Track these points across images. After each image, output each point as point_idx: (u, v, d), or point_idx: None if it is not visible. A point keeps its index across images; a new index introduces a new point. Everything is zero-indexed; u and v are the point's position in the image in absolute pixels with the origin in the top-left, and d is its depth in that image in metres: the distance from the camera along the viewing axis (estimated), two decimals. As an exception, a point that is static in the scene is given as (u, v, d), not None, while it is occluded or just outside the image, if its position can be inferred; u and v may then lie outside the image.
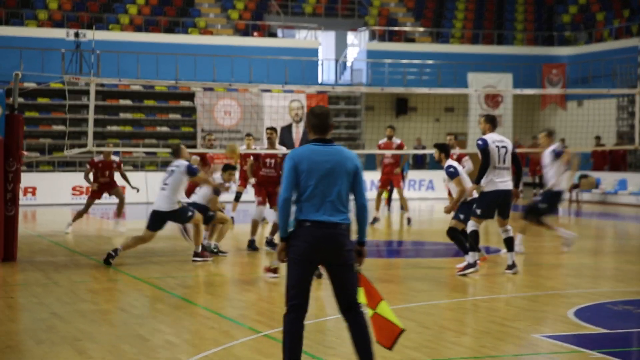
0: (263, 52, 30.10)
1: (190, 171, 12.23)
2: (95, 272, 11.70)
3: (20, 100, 21.48)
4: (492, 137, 11.32)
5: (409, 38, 34.23)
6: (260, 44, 30.97)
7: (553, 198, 13.06)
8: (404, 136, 24.10)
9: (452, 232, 11.72)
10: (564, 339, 7.67)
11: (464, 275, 11.13)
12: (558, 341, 7.56)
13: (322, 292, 10.27)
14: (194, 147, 26.09)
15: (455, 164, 11.82)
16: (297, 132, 29.17)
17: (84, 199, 24.13)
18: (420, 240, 16.22)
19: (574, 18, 35.97)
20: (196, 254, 12.57)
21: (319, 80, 31.30)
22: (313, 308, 9.31)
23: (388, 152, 17.89)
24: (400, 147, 18.08)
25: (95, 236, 16.61)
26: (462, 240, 11.52)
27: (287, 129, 28.92)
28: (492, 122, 11.49)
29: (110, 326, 8.31)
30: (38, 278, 11.12)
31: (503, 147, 11.26)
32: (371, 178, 26.79)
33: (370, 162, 29.48)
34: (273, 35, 32.59)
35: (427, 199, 26.22)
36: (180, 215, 12.26)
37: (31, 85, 24.69)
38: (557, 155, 13.04)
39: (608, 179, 24.73)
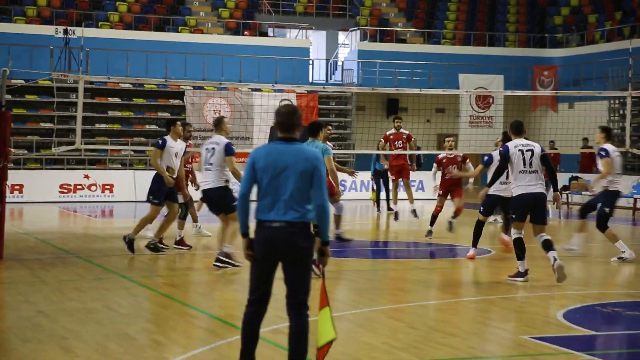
0: (254, 51, 30.03)
1: (229, 150, 11.57)
2: (82, 271, 11.62)
3: (8, 97, 21.37)
4: (515, 142, 11.19)
5: (400, 38, 34.21)
6: (251, 42, 30.90)
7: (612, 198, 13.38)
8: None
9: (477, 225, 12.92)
10: (552, 340, 7.64)
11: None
12: (547, 343, 7.53)
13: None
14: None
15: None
16: (288, 131, 29.10)
17: (71, 197, 24.14)
18: (409, 240, 16.18)
19: (566, 20, 36.03)
20: (221, 257, 11.63)
21: (310, 80, 31.24)
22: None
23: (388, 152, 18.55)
24: (409, 138, 18.60)
25: (82, 234, 16.51)
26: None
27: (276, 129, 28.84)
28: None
29: (97, 325, 8.24)
30: (24, 276, 11.04)
31: (529, 150, 11.12)
32: (361, 178, 26.76)
33: (361, 163, 29.46)
34: (264, 34, 32.52)
35: (417, 199, 26.15)
36: (227, 198, 11.57)
37: (19, 81, 24.56)
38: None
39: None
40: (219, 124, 11.94)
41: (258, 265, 6.03)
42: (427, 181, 26.98)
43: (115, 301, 9.53)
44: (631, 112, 19.48)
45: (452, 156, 15.64)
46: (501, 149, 11.43)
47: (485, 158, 13.35)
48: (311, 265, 6.06)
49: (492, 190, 12.42)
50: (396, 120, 18.80)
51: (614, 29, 33.21)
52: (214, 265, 11.61)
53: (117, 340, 7.54)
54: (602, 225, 13.23)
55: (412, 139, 18.81)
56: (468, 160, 15.97)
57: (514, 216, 11.21)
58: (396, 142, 18.57)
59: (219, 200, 11.62)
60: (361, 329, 8.19)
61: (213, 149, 11.68)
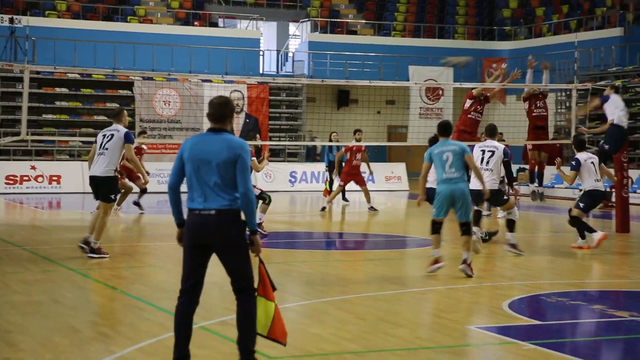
0: (204, 41, 29.86)
1: (128, 138, 11.64)
2: (28, 263, 11.46)
3: (-47, 86, 20.99)
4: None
5: (351, 30, 34.27)
6: (201, 33, 30.72)
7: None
8: (344, 128, 24.11)
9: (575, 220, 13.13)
10: (497, 330, 7.74)
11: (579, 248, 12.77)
12: (492, 332, 7.63)
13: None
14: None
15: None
16: (238, 122, 29.00)
17: (17, 188, 23.78)
18: (359, 232, 16.24)
19: (514, 13, 36.42)
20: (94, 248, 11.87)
21: (261, 71, 31.17)
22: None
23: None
24: (365, 149, 19.72)
25: (29, 226, 16.29)
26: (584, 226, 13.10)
27: (227, 120, 28.75)
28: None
29: (43, 318, 8.14)
30: (-32, 269, 10.85)
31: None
32: (311, 169, 26.80)
33: (311, 154, 29.49)
34: (214, 24, 32.34)
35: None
36: (112, 188, 11.70)
37: (-36, 71, 24.11)
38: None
39: (545, 173, 24.99)
40: (119, 115, 12.00)
41: (188, 252, 6.09)
42: (377, 173, 27.06)
43: (61, 294, 9.42)
44: (577, 104, 19.75)
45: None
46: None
47: (574, 163, 13.54)
48: (245, 250, 6.08)
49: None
50: (357, 133, 19.44)
51: (560, 22, 33.66)
52: (88, 256, 11.61)
53: (63, 333, 7.46)
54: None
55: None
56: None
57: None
58: (357, 154, 19.24)
59: (103, 188, 11.63)
60: (310, 320, 8.21)
61: (112, 135, 11.69)
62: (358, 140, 19.23)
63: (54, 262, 11.52)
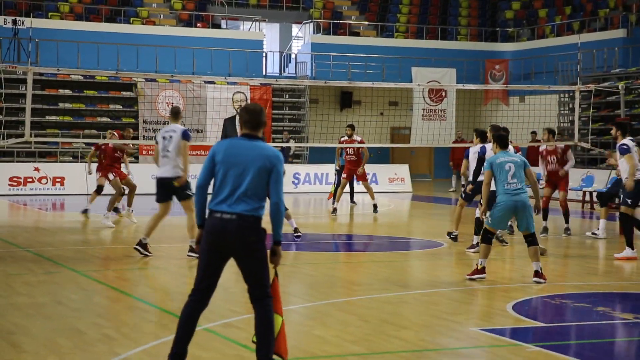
0: (206, 43, 29.87)
1: (185, 135, 11.69)
2: (31, 265, 11.46)
3: (-44, 88, 21.02)
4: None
5: (353, 32, 34.27)
6: (203, 34, 30.72)
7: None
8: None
9: (624, 218, 12.56)
10: (502, 332, 7.73)
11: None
12: (496, 334, 7.62)
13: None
14: (136, 138, 25.80)
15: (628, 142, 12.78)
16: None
17: (21, 189, 23.78)
18: (363, 234, 16.23)
19: (517, 14, 36.40)
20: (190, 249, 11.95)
21: (263, 73, 31.18)
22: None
23: (349, 147, 18.79)
24: (361, 143, 18.99)
25: (33, 228, 16.29)
26: (631, 229, 12.43)
27: (230, 121, 28.76)
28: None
29: (46, 320, 8.14)
30: (-28, 270, 10.86)
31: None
32: (314, 171, 26.80)
33: (314, 156, 29.49)
34: (217, 26, 32.35)
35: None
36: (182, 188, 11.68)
37: (-33, 73, 24.13)
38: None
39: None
40: (177, 114, 12.05)
41: (205, 255, 6.07)
42: (380, 175, 27.10)
43: (65, 295, 9.43)
44: (580, 105, 19.75)
45: (552, 148, 15.98)
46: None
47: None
48: (264, 258, 6.06)
49: None
50: (347, 129, 19.15)
51: (563, 24, 33.64)
52: (188, 255, 11.84)
53: (66, 334, 7.46)
54: (605, 201, 14.65)
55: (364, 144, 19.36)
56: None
57: None
58: (349, 150, 18.98)
59: (177, 188, 11.67)
60: (313, 322, 8.20)
61: (170, 136, 11.72)
62: (349, 136, 18.98)
63: (57, 263, 11.52)
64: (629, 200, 12.44)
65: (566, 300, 9.28)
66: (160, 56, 28.74)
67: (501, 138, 10.65)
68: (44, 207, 21.31)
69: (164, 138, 11.80)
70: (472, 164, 13.17)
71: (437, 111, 32.02)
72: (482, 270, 10.37)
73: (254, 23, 32.62)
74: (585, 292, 9.96)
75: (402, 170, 28.03)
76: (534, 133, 26.71)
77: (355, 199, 21.04)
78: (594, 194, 22.12)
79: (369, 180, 20.36)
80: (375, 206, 19.11)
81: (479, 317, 8.41)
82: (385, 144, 30.33)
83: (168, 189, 11.73)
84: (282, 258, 6.19)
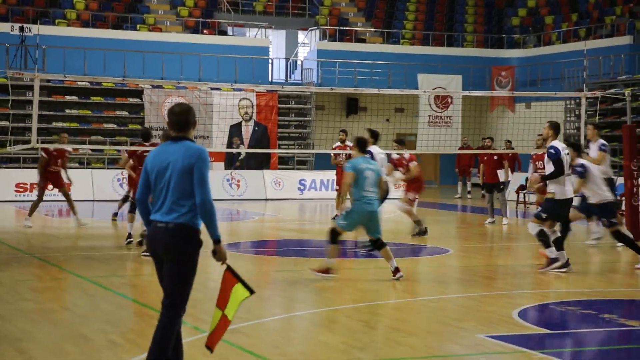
0: (213, 49, 29.92)
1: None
2: (38, 271, 11.49)
3: (-36, 94, 21.06)
4: (560, 145, 11.54)
5: (359, 38, 34.30)
6: (210, 41, 30.78)
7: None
8: (353, 136, 24.11)
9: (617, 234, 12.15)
10: (508, 339, 7.72)
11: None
12: (502, 341, 7.61)
13: (268, 291, 10.23)
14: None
15: (584, 162, 12.26)
16: (247, 130, 29.06)
17: (27, 196, 23.81)
18: (368, 239, 16.20)
19: (523, 21, 36.40)
20: None
21: (270, 79, 31.21)
22: (259, 308, 9.27)
23: (341, 152, 18.19)
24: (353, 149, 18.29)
25: (39, 234, 16.32)
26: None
27: (236, 128, 28.80)
28: (556, 129, 11.68)
29: (53, 326, 8.16)
30: (-21, 276, 10.88)
31: (567, 154, 11.59)
32: (320, 177, 26.80)
33: (320, 162, 29.49)
34: (223, 33, 32.41)
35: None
36: None
37: (-26, 79, 24.21)
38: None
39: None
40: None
41: (154, 264, 6.07)
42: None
43: (71, 301, 9.45)
44: (586, 112, 19.73)
45: (541, 153, 15.87)
46: (551, 151, 11.47)
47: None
48: (188, 271, 5.93)
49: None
50: (341, 134, 18.77)
51: (569, 30, 33.62)
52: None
53: (73, 341, 7.47)
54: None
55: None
56: (414, 164, 16.19)
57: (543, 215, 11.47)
58: (340, 155, 18.41)
59: None
60: (320, 328, 8.20)
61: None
62: (342, 142, 18.56)
63: (64, 269, 11.54)
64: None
65: (572, 307, 9.26)
66: (167, 63, 28.78)
67: (360, 142, 10.92)
68: (50, 213, 21.34)
69: None
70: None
71: (443, 118, 32.02)
72: (329, 270, 10.73)
73: (260, 30, 32.67)
74: (591, 299, 9.95)
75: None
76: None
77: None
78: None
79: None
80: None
81: (486, 324, 8.40)
82: (391, 150, 30.27)
83: None
84: (223, 257, 5.94)
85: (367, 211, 10.65)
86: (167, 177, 5.88)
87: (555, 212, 11.49)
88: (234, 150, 27.24)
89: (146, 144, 13.73)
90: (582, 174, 12.10)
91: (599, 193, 12.10)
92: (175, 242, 5.84)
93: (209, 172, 5.92)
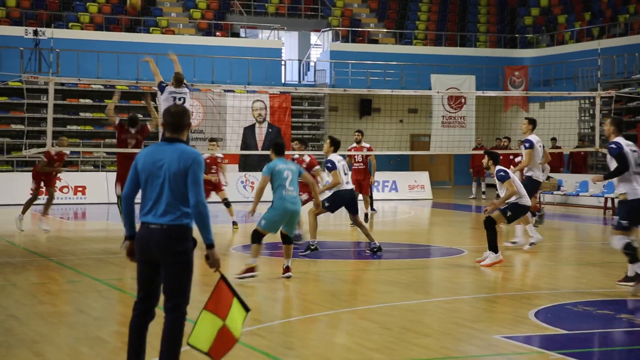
0: (226, 52, 29.96)
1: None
2: (54, 274, 11.53)
3: (-21, 98, 21.17)
4: (624, 141, 10.52)
5: (372, 39, 34.28)
6: (222, 43, 30.82)
7: None
8: (367, 137, 24.10)
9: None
10: (524, 340, 7.69)
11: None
12: (518, 342, 7.59)
13: (283, 293, 10.23)
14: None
15: (504, 168, 12.65)
16: (260, 132, 29.08)
17: (43, 199, 23.80)
18: (383, 241, 16.20)
19: (536, 20, 36.29)
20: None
21: (282, 81, 31.23)
22: (274, 310, 9.28)
23: (357, 154, 17.98)
24: (369, 151, 18.22)
25: (54, 237, 16.38)
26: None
27: (249, 130, 28.83)
28: (618, 125, 10.94)
29: (69, 328, 8.19)
30: (-5, 279, 10.93)
31: (634, 151, 10.50)
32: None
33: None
34: (236, 35, 32.46)
35: (391, 200, 26.29)
36: None
37: (-11, 83, 24.34)
38: None
39: (569, 180, 24.94)
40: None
41: (138, 266, 6.05)
42: (400, 182, 27.07)
43: (87, 304, 9.47)
44: (601, 112, 19.65)
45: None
46: (612, 146, 10.40)
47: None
48: (187, 272, 5.95)
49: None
50: (356, 134, 18.50)
51: (583, 30, 33.50)
52: None
53: (89, 343, 7.50)
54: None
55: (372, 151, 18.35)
56: None
57: (624, 222, 10.26)
58: (356, 156, 18.16)
59: None
60: (334, 330, 8.20)
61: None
62: (357, 142, 18.27)
63: (79, 272, 11.59)
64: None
65: (589, 308, 9.22)
66: (180, 65, 28.79)
67: (277, 146, 11.03)
68: (66, 216, 21.42)
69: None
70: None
71: (456, 118, 31.96)
72: (252, 269, 10.70)
73: (273, 31, 32.69)
74: (608, 299, 9.90)
75: (422, 178, 27.99)
76: (554, 139, 26.63)
77: (375, 207, 21.01)
78: (616, 200, 22.00)
79: (387, 189, 20.13)
80: (366, 215, 18.14)
81: (501, 325, 8.38)
82: (405, 151, 30.25)
83: None
84: (217, 263, 6.00)
85: (290, 210, 10.71)
86: (162, 180, 5.88)
87: (634, 213, 10.29)
88: (247, 153, 27.25)
89: (132, 130, 14.01)
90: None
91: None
92: (171, 243, 5.86)
93: (202, 176, 5.94)
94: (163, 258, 5.89)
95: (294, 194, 10.78)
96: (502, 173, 12.41)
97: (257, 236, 10.75)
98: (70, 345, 7.43)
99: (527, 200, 12.56)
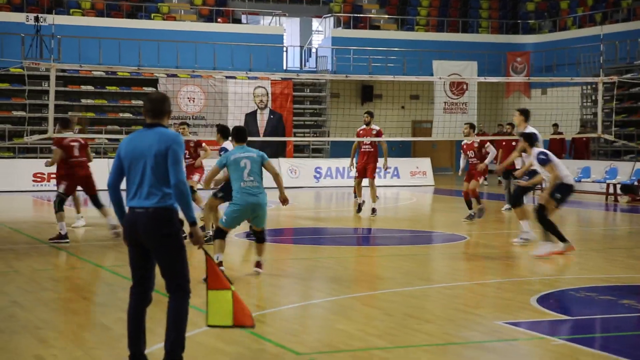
0: (227, 38, 29.92)
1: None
2: (57, 260, 11.55)
3: (-20, 85, 21.15)
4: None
5: (374, 25, 34.21)
6: (224, 30, 30.78)
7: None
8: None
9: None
10: (526, 325, 7.70)
11: None
12: (521, 328, 7.60)
13: (285, 279, 10.25)
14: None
15: (544, 150, 11.91)
16: (262, 119, 29.06)
17: (44, 185, 23.94)
18: (385, 227, 16.22)
19: (539, 6, 36.18)
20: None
21: (284, 67, 31.19)
22: (276, 296, 9.29)
23: (366, 139, 17.22)
24: (379, 134, 17.16)
25: (57, 223, 16.37)
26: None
27: (251, 116, 28.81)
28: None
29: (72, 315, 8.21)
30: (-2, 266, 10.95)
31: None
32: (336, 165, 26.80)
33: (336, 150, 29.48)
34: (237, 21, 32.40)
35: (393, 186, 26.30)
36: None
37: (-10, 70, 24.32)
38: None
39: (571, 166, 24.89)
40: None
41: (129, 250, 6.13)
42: (402, 168, 27.06)
43: (90, 290, 9.50)
44: (603, 97, 19.62)
45: (470, 142, 16.13)
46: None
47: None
48: (178, 250, 6.01)
49: None
50: (366, 115, 17.31)
51: (585, 15, 33.40)
52: None
53: (92, 330, 7.52)
54: (517, 199, 12.72)
55: (382, 135, 17.35)
56: (488, 144, 16.20)
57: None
58: (364, 139, 17.16)
59: None
60: (336, 316, 8.21)
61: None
62: (367, 124, 17.14)
63: (82, 259, 11.61)
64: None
65: (591, 293, 9.23)
66: (181, 51, 28.81)
67: (236, 131, 10.10)
68: (68, 202, 21.41)
69: None
70: None
71: (458, 104, 31.92)
72: (220, 264, 9.67)
73: (274, 18, 32.62)
74: (610, 284, 9.91)
75: (424, 164, 27.99)
76: (555, 125, 26.60)
77: (377, 193, 20.98)
78: (618, 187, 22.01)
79: (389, 176, 20.00)
80: (373, 210, 17.29)
81: (503, 311, 8.39)
82: (407, 137, 30.24)
83: None
84: (200, 240, 6.07)
85: (250, 203, 9.70)
86: (143, 163, 5.96)
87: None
88: (249, 139, 27.18)
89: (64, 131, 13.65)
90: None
91: None
92: (157, 227, 5.92)
93: (183, 156, 5.99)
94: (150, 242, 5.98)
95: (255, 184, 9.72)
96: (542, 156, 11.75)
97: (219, 233, 9.92)
98: (73, 332, 7.45)
99: (570, 179, 11.88)
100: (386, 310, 8.34)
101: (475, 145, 16.06)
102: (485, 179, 27.03)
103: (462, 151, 16.36)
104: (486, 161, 16.00)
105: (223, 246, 9.90)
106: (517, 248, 12.86)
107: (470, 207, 16.08)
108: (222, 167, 9.90)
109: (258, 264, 10.20)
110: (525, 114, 13.29)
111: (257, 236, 10.16)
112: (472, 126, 16.53)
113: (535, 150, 11.96)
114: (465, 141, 16.28)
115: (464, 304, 8.70)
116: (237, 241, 13.13)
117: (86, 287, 9.67)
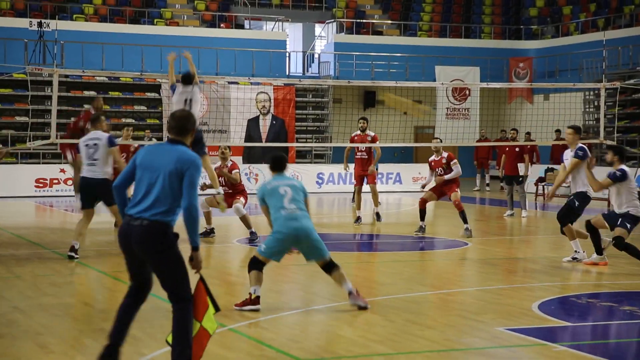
0: (230, 43, 29.94)
1: (111, 142, 11.81)
2: (58, 266, 11.54)
3: (-17, 90, 21.18)
4: None
5: (376, 31, 34.23)
6: (227, 35, 30.80)
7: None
8: (371, 129, 24.09)
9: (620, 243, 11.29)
10: (528, 332, 7.69)
11: None
12: (522, 334, 7.59)
13: (286, 285, 10.24)
14: (161, 139, 25.92)
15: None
16: (264, 124, 29.08)
17: (47, 191, 23.95)
18: (387, 233, 16.21)
19: (541, 12, 36.20)
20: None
21: (287, 73, 31.19)
22: (278, 302, 9.27)
23: (361, 145, 17.02)
24: (374, 140, 17.06)
25: (59, 229, 16.41)
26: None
27: (253, 122, 28.82)
28: None
29: (73, 320, 8.21)
30: (-1, 271, 10.96)
31: None
32: (338, 171, 26.80)
33: (338, 156, 29.48)
34: (240, 26, 32.43)
35: (395, 192, 26.28)
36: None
37: (-7, 75, 24.35)
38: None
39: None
40: (96, 121, 12.10)
41: (124, 257, 6.16)
42: (404, 174, 27.05)
43: (91, 296, 9.49)
44: (605, 103, 19.61)
45: (438, 158, 15.43)
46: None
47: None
48: (175, 263, 6.01)
49: None
50: (361, 121, 17.24)
51: (588, 21, 33.41)
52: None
53: (93, 335, 7.51)
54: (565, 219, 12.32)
55: (378, 141, 17.23)
56: (454, 162, 15.57)
57: None
58: (360, 146, 17.05)
59: (103, 191, 11.70)
60: (338, 322, 8.20)
61: (95, 144, 11.78)
62: (362, 130, 17.04)
63: (83, 264, 11.60)
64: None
65: (592, 300, 9.22)
66: (184, 57, 28.79)
67: (274, 160, 8.96)
68: (70, 208, 21.44)
69: (87, 146, 11.91)
70: None
71: (461, 110, 31.91)
72: (256, 301, 8.53)
73: (277, 23, 32.66)
74: (611, 291, 9.89)
75: (426, 170, 27.83)
76: (558, 131, 26.57)
77: (379, 199, 20.96)
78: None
79: (391, 181, 19.93)
80: (378, 215, 17.33)
81: (505, 317, 8.38)
82: (409, 143, 30.23)
83: (93, 194, 11.86)
84: (198, 265, 6.09)
85: (293, 228, 8.52)
86: (155, 177, 5.99)
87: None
88: (251, 145, 27.22)
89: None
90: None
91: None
92: (150, 241, 5.96)
93: (199, 180, 6.04)
94: (145, 256, 6.03)
95: (298, 211, 8.65)
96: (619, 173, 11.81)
97: (255, 263, 8.63)
98: (74, 337, 7.45)
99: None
100: (388, 316, 8.33)
101: (444, 162, 15.65)
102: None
103: (429, 168, 15.78)
104: (446, 176, 15.35)
105: (260, 278, 8.60)
106: (519, 254, 12.85)
107: (422, 218, 15.32)
108: (262, 203, 8.76)
109: (351, 294, 8.63)
110: (578, 131, 12.91)
111: (327, 270, 8.73)
112: (440, 141, 16.12)
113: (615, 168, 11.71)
114: (433, 157, 15.84)
115: (466, 310, 8.69)
116: (237, 246, 13.13)
117: (87, 293, 9.67)
